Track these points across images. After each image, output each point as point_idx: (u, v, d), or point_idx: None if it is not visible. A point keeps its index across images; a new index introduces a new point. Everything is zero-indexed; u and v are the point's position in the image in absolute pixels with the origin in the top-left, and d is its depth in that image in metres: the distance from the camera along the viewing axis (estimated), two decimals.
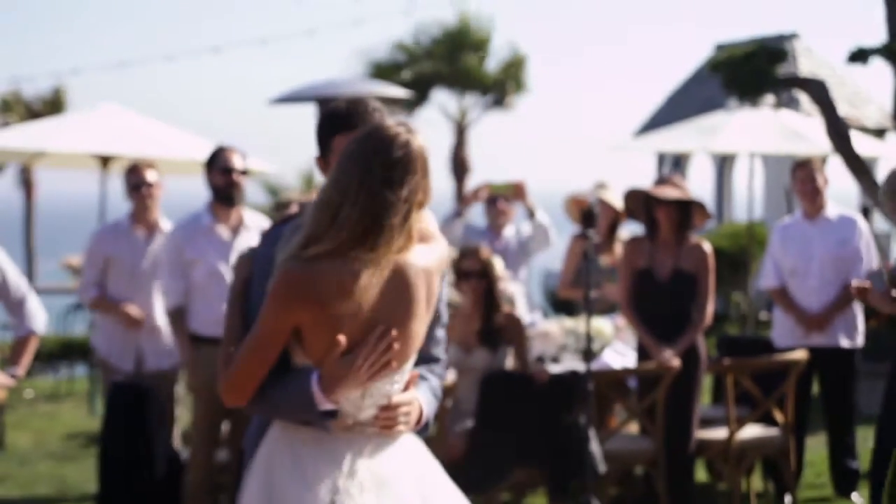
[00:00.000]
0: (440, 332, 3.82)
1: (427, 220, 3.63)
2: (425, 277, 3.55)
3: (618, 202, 8.72)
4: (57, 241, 34.02)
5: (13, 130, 14.99)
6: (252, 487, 3.58)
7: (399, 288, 3.50)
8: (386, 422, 3.59)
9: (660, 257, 7.64)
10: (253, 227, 7.51)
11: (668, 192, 7.56)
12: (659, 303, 7.59)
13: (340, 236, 3.40)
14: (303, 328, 3.47)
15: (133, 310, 7.88)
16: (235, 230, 7.47)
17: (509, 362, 7.51)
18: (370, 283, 3.44)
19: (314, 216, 3.45)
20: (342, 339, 3.44)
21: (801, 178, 8.40)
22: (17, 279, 6.53)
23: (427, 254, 3.58)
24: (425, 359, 3.76)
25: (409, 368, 3.62)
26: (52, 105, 30.51)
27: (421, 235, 3.57)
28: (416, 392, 3.67)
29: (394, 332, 3.48)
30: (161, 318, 7.92)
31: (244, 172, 7.50)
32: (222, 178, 7.41)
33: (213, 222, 7.44)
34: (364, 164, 3.44)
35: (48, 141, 11.49)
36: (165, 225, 8.02)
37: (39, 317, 6.66)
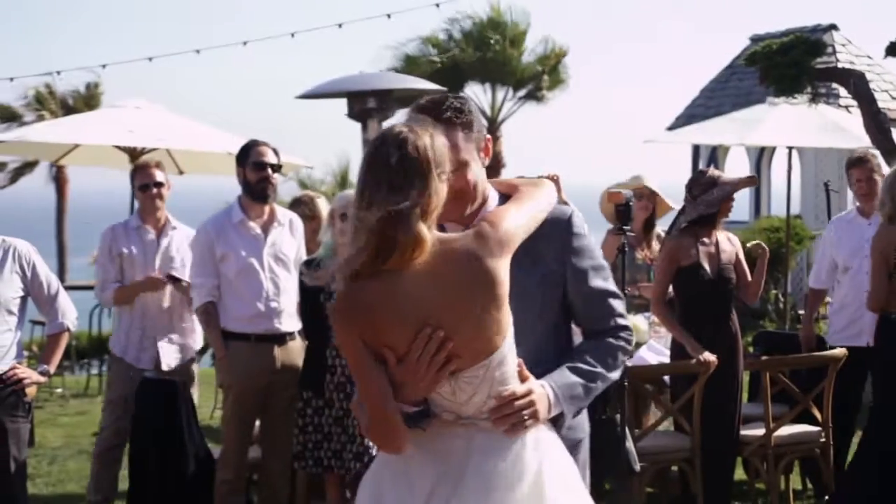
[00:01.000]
0: (593, 304, 3.82)
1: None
2: (468, 266, 3.37)
3: (651, 182, 8.71)
4: (88, 237, 34.13)
5: (44, 125, 15.01)
6: (363, 495, 3.61)
7: (437, 286, 3.36)
8: (500, 417, 3.46)
9: (705, 252, 7.53)
10: (284, 221, 7.42)
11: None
12: (707, 297, 7.49)
13: (362, 255, 3.35)
14: (370, 348, 3.43)
15: (151, 277, 7.77)
16: (266, 226, 7.38)
17: None
18: (399, 292, 3.35)
19: (351, 233, 3.43)
20: (388, 353, 3.39)
21: (858, 175, 8.28)
22: (48, 276, 6.51)
23: (465, 242, 3.40)
24: (591, 335, 3.83)
25: (502, 359, 3.44)
26: (87, 100, 30.61)
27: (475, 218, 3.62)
28: (535, 383, 3.54)
29: (440, 333, 3.36)
30: (176, 315, 7.85)
31: (278, 168, 7.40)
32: (255, 173, 7.31)
33: (245, 217, 7.34)
34: (365, 174, 3.41)
35: (79, 135, 11.46)
36: (175, 222, 7.93)
37: (71, 314, 6.64)
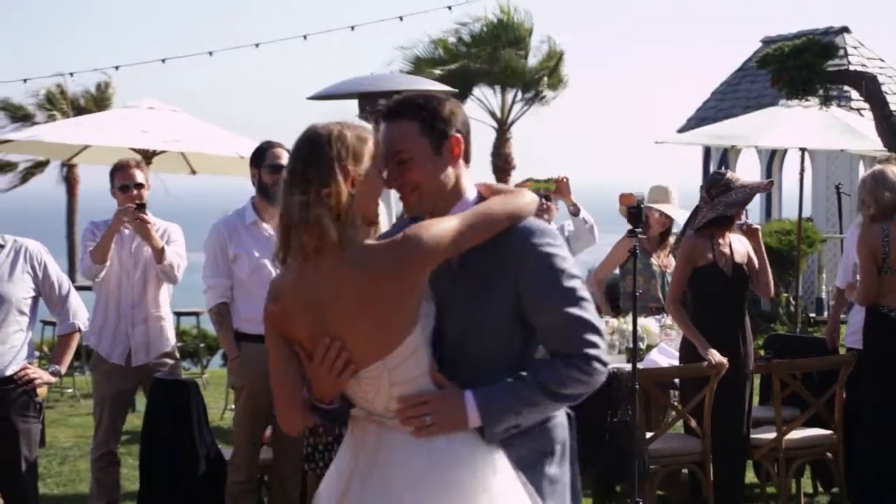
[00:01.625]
0: (553, 331, 3.57)
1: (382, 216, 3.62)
2: (370, 268, 3.41)
3: (672, 210, 8.70)
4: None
5: (56, 126, 15.01)
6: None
7: (338, 283, 3.43)
8: (403, 417, 3.50)
9: (720, 252, 7.53)
10: None
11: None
12: (725, 297, 7.49)
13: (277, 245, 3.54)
14: (286, 337, 3.62)
15: (119, 211, 7.54)
16: None
17: None
18: (303, 283, 3.47)
19: None
20: (300, 350, 3.55)
21: None
22: (60, 276, 6.51)
23: (379, 245, 3.46)
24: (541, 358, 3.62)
25: (400, 361, 3.47)
26: (98, 100, 30.66)
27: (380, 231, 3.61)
28: (453, 391, 3.50)
29: (337, 343, 3.46)
30: (153, 311, 7.76)
31: None
32: (270, 175, 7.28)
33: (257, 219, 7.33)
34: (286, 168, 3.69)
35: (90, 136, 11.46)
36: (155, 220, 7.70)
37: (82, 314, 6.64)
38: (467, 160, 3.71)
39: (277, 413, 3.67)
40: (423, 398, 3.48)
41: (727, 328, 7.44)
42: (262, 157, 7.35)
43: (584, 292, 3.59)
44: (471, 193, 3.70)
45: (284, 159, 7.32)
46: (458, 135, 3.66)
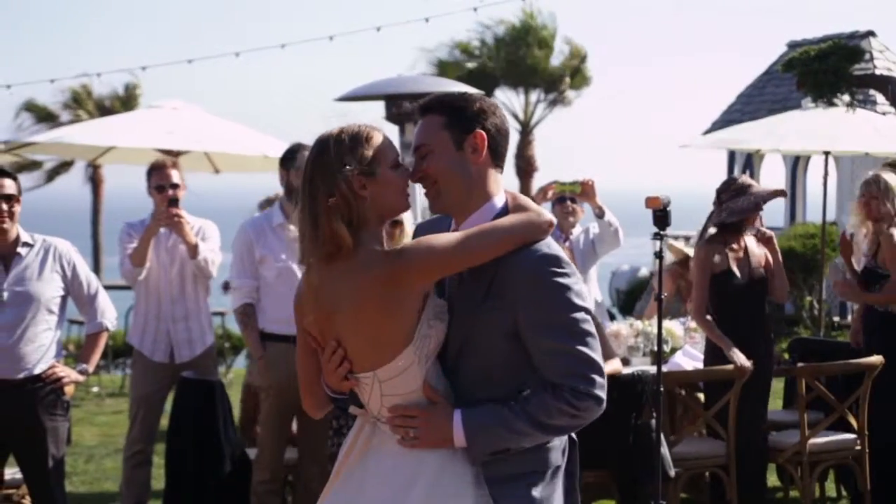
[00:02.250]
0: (546, 360, 3.49)
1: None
2: (371, 280, 3.43)
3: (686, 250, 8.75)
4: None
5: (81, 126, 15.07)
6: None
7: (345, 290, 3.47)
8: (391, 426, 3.56)
9: (737, 257, 7.53)
10: None
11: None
12: (741, 302, 7.49)
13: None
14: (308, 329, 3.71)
15: (157, 213, 7.68)
16: None
17: None
18: (318, 285, 3.52)
19: None
20: (314, 343, 3.64)
21: None
22: (88, 276, 6.56)
23: (381, 257, 3.45)
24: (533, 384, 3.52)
25: (393, 375, 3.51)
26: (125, 101, 30.76)
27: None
28: (442, 409, 3.52)
29: (341, 351, 3.54)
30: (193, 308, 7.86)
31: None
32: (300, 178, 7.30)
33: (284, 221, 7.36)
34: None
35: (116, 137, 11.51)
36: (190, 218, 7.82)
37: (110, 313, 6.68)
38: (497, 162, 3.64)
39: (302, 396, 3.77)
40: (412, 411, 3.52)
41: (747, 332, 7.44)
42: (292, 159, 7.38)
43: (588, 326, 3.51)
44: (499, 199, 3.64)
45: None
46: (484, 132, 3.59)
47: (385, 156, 3.53)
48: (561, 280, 3.49)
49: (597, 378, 3.49)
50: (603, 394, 3.52)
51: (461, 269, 3.50)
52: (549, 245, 3.56)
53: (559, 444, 3.68)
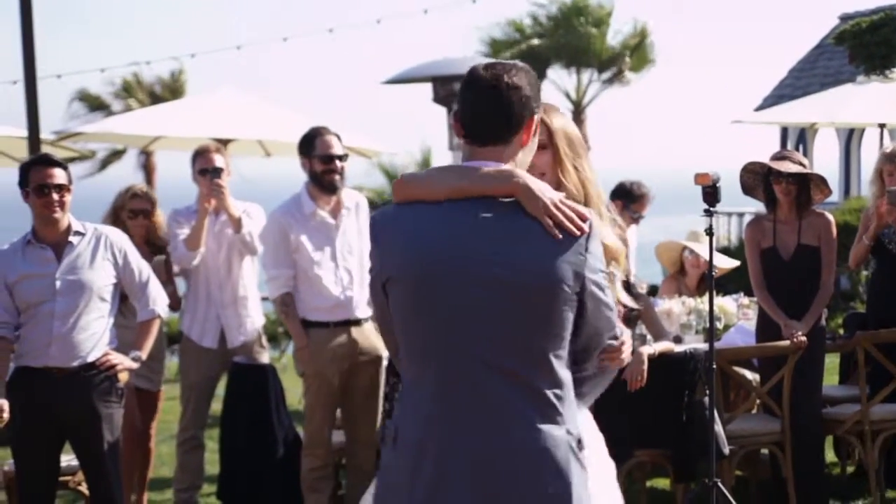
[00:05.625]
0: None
1: None
2: None
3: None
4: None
5: (133, 115, 15.17)
6: None
7: None
8: None
9: (782, 234, 7.46)
10: (351, 206, 7.41)
11: (787, 167, 7.37)
12: (785, 280, 7.43)
13: None
14: None
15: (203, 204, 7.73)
16: (336, 212, 7.37)
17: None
18: None
19: None
20: None
21: None
22: (140, 264, 6.58)
23: None
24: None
25: None
26: (172, 88, 30.92)
27: None
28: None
29: None
30: (241, 292, 7.88)
31: (344, 157, 7.37)
32: (322, 165, 7.30)
33: (316, 208, 7.34)
34: None
35: (167, 126, 11.57)
36: (240, 204, 7.88)
37: (162, 300, 6.70)
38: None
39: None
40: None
41: (792, 310, 7.37)
42: (311, 145, 7.34)
43: None
44: None
45: (334, 148, 7.30)
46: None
47: None
48: None
49: None
50: None
51: None
52: None
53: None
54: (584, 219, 3.36)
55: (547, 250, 3.33)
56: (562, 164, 3.85)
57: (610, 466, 3.99)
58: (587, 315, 3.41)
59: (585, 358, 3.49)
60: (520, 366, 3.34)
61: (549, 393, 3.35)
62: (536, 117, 3.49)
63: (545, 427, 3.33)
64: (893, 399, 7.83)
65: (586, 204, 3.78)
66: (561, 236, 3.32)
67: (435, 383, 3.39)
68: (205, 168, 7.76)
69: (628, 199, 9.06)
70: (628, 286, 7.28)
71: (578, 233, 3.33)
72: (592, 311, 3.41)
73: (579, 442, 3.38)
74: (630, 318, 7.24)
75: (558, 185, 3.80)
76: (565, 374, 3.39)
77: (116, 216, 7.79)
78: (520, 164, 3.48)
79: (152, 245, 7.69)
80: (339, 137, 7.37)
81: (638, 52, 27.44)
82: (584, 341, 3.46)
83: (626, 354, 3.53)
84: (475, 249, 3.33)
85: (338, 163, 7.29)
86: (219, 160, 7.80)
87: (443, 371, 3.38)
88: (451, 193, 3.39)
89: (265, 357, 8.02)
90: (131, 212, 7.81)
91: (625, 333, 3.51)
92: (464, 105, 3.48)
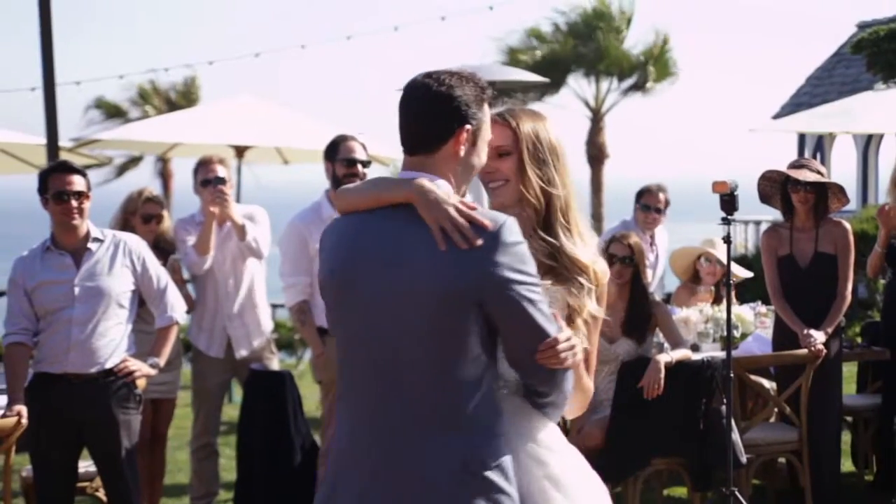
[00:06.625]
0: None
1: None
2: None
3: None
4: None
5: (150, 122, 15.21)
6: None
7: None
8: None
9: (799, 242, 7.46)
10: None
11: (805, 175, 7.36)
12: (802, 288, 7.42)
13: None
14: None
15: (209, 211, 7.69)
16: None
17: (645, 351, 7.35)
18: None
19: None
20: None
21: None
22: (158, 270, 6.59)
23: None
24: None
25: None
26: (185, 95, 31.00)
27: None
28: None
29: None
30: (248, 302, 7.88)
31: (367, 164, 7.39)
32: (344, 168, 7.32)
33: (334, 212, 7.35)
34: None
35: (184, 133, 11.59)
36: (242, 208, 7.89)
37: (180, 307, 6.72)
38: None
39: None
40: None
41: (812, 316, 7.36)
42: (335, 151, 7.40)
43: None
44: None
45: (357, 153, 7.34)
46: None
47: None
48: None
49: None
50: None
51: None
52: None
53: None
54: (485, 228, 3.25)
55: (446, 259, 3.24)
56: (523, 171, 3.72)
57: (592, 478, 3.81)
58: (504, 323, 3.31)
59: (521, 366, 3.37)
60: (419, 377, 3.30)
61: (451, 406, 3.30)
62: (470, 126, 3.38)
63: (436, 449, 3.29)
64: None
65: (547, 212, 3.64)
66: (444, 247, 3.23)
67: (348, 397, 3.50)
68: (207, 178, 7.77)
69: (640, 195, 9.09)
70: (644, 293, 7.31)
71: (465, 245, 3.22)
72: (509, 319, 3.30)
73: (482, 462, 3.28)
74: (634, 328, 7.27)
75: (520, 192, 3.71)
76: (473, 384, 3.31)
77: (126, 220, 7.79)
78: (461, 174, 3.41)
79: (160, 249, 7.69)
80: (364, 146, 7.40)
81: (659, 62, 27.36)
82: (512, 349, 3.36)
83: (571, 354, 3.35)
84: (377, 258, 3.32)
85: (360, 168, 7.33)
86: (221, 170, 7.80)
87: (350, 384, 3.49)
88: (370, 203, 3.39)
89: (275, 363, 8.02)
90: (144, 216, 7.82)
91: (566, 332, 3.35)
92: (399, 114, 3.46)
